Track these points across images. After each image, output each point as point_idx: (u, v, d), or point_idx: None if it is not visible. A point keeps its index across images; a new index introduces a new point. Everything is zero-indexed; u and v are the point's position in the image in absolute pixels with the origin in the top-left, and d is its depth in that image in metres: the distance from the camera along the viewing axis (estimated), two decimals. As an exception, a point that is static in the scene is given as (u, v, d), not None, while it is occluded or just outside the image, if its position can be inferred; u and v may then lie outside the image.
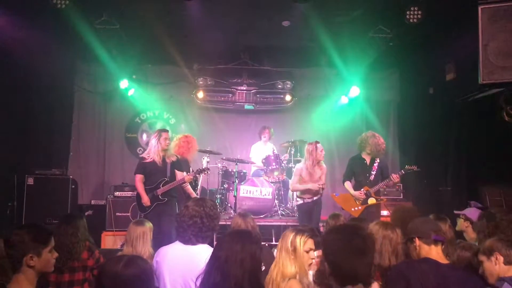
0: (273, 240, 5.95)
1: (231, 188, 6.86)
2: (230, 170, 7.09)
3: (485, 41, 3.97)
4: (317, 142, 5.70)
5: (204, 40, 6.96)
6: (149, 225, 3.62)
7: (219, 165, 7.09)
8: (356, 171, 5.71)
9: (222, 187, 7.06)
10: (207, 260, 2.49)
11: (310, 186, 5.57)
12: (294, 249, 2.56)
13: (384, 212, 6.38)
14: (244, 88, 7.84)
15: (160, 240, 3.98)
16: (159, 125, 8.15)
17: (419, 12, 5.59)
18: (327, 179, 8.09)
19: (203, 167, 5.68)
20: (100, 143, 8.07)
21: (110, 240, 6.56)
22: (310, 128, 8.10)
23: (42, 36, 5.92)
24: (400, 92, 8.35)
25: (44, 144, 7.16)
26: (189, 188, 5.81)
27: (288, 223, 6.09)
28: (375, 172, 5.60)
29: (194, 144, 6.20)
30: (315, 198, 5.66)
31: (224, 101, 7.98)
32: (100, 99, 8.06)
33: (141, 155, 5.75)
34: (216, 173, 7.15)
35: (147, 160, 5.34)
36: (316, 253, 3.25)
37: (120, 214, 6.75)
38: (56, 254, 2.38)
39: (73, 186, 6.74)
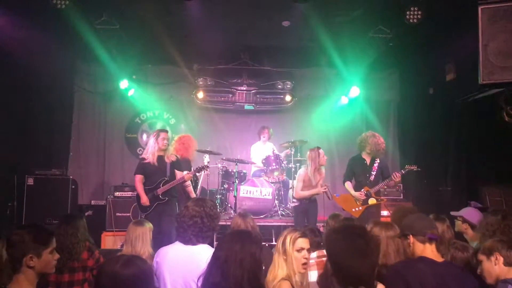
0: (273, 240, 5.95)
1: (231, 188, 6.86)
2: (230, 170, 7.09)
3: (485, 41, 3.96)
4: (318, 148, 5.72)
5: (204, 40, 6.96)
6: (148, 225, 3.62)
7: (219, 165, 7.08)
8: (356, 171, 5.71)
9: (222, 187, 7.06)
10: (207, 260, 2.50)
11: (315, 191, 5.62)
12: (285, 249, 2.55)
13: (384, 212, 6.38)
14: (244, 88, 7.84)
15: (160, 240, 3.97)
16: (159, 125, 8.15)
17: (419, 12, 5.59)
18: (327, 179, 8.14)
19: (203, 165, 5.68)
20: (100, 143, 8.07)
21: (110, 241, 6.56)
22: (310, 128, 8.10)
23: (42, 36, 5.93)
24: (400, 92, 8.35)
25: (44, 144, 7.16)
26: (190, 188, 5.81)
27: (288, 223, 6.10)
28: (375, 172, 5.60)
29: (192, 144, 6.19)
30: (311, 198, 5.71)
31: (224, 101, 7.98)
32: (100, 99, 8.06)
33: (141, 156, 5.75)
34: (216, 173, 7.15)
35: (147, 161, 5.34)
36: (316, 254, 3.25)
37: (120, 214, 6.75)
38: (57, 256, 2.37)
39: (73, 186, 6.73)
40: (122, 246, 5.17)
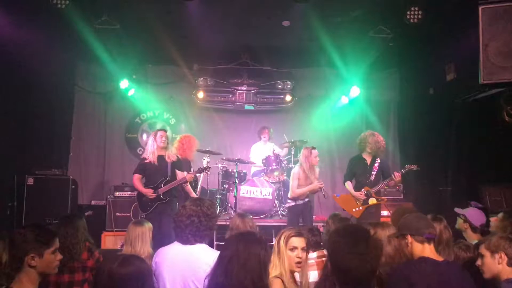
0: (273, 240, 5.93)
1: (231, 188, 6.86)
2: (230, 170, 7.09)
3: (485, 41, 3.97)
4: (313, 148, 5.69)
5: (204, 40, 6.95)
6: (148, 225, 3.63)
7: (219, 165, 7.09)
8: (356, 171, 5.70)
9: (222, 187, 7.06)
10: (205, 260, 2.50)
11: (312, 186, 5.55)
12: (279, 248, 2.56)
13: (384, 212, 6.38)
14: (244, 88, 7.84)
15: (160, 240, 3.97)
16: (159, 125, 8.15)
17: (419, 12, 5.59)
18: (327, 179, 8.15)
19: (204, 166, 5.68)
20: (100, 143, 8.07)
21: (110, 241, 6.57)
22: (310, 128, 8.10)
23: (42, 36, 5.93)
24: (400, 92, 8.35)
25: (44, 144, 7.15)
26: (189, 188, 5.81)
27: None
28: (375, 172, 5.59)
29: (192, 145, 6.18)
30: (306, 199, 5.67)
31: (224, 101, 7.98)
32: (100, 99, 8.06)
33: (141, 156, 5.75)
34: (216, 173, 7.15)
35: (147, 161, 5.34)
36: (316, 254, 3.25)
37: (120, 214, 6.76)
38: (60, 256, 2.37)
39: (73, 186, 6.74)
40: (122, 246, 5.17)
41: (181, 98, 8.23)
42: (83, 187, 7.64)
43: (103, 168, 7.99)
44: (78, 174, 7.54)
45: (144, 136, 8.24)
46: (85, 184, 7.74)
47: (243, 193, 6.58)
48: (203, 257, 2.58)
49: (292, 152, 7.29)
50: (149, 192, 5.23)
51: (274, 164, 6.83)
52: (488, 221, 3.60)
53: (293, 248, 2.63)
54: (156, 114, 8.41)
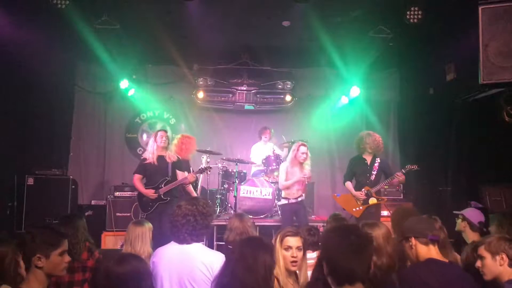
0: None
1: (231, 188, 6.86)
2: (230, 170, 7.09)
3: (485, 41, 3.96)
4: (303, 144, 5.65)
5: (204, 40, 6.95)
6: (148, 225, 3.63)
7: (219, 165, 7.08)
8: (356, 171, 5.70)
9: (222, 187, 7.06)
10: (201, 259, 2.52)
11: (296, 178, 5.49)
12: (273, 248, 2.57)
13: (385, 212, 6.38)
14: (244, 88, 7.84)
15: (161, 240, 3.97)
16: (159, 125, 8.15)
17: (419, 12, 5.59)
18: (327, 179, 8.15)
19: (205, 166, 5.68)
20: (100, 143, 8.07)
21: (110, 241, 6.57)
22: (310, 128, 8.09)
23: (42, 36, 5.92)
24: (400, 92, 8.35)
25: (44, 144, 7.15)
26: (190, 188, 5.80)
27: (288, 223, 6.08)
28: (375, 172, 5.59)
29: (191, 145, 6.17)
30: (299, 198, 5.62)
31: (224, 101, 7.98)
32: (100, 99, 8.06)
33: (142, 157, 5.76)
34: (216, 173, 7.14)
35: (148, 161, 5.34)
36: (316, 254, 3.25)
37: (120, 214, 6.76)
38: (68, 258, 2.36)
39: (73, 186, 6.74)
40: (122, 246, 5.18)
41: (181, 98, 8.23)
42: (83, 187, 7.64)
43: (103, 168, 7.99)
44: (78, 174, 7.54)
45: (144, 136, 8.24)
46: (85, 184, 7.73)
47: (243, 193, 6.58)
48: (199, 256, 2.60)
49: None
50: (150, 193, 5.24)
51: (274, 164, 6.83)
52: (487, 221, 3.59)
53: (287, 248, 2.64)
54: (156, 114, 8.41)
